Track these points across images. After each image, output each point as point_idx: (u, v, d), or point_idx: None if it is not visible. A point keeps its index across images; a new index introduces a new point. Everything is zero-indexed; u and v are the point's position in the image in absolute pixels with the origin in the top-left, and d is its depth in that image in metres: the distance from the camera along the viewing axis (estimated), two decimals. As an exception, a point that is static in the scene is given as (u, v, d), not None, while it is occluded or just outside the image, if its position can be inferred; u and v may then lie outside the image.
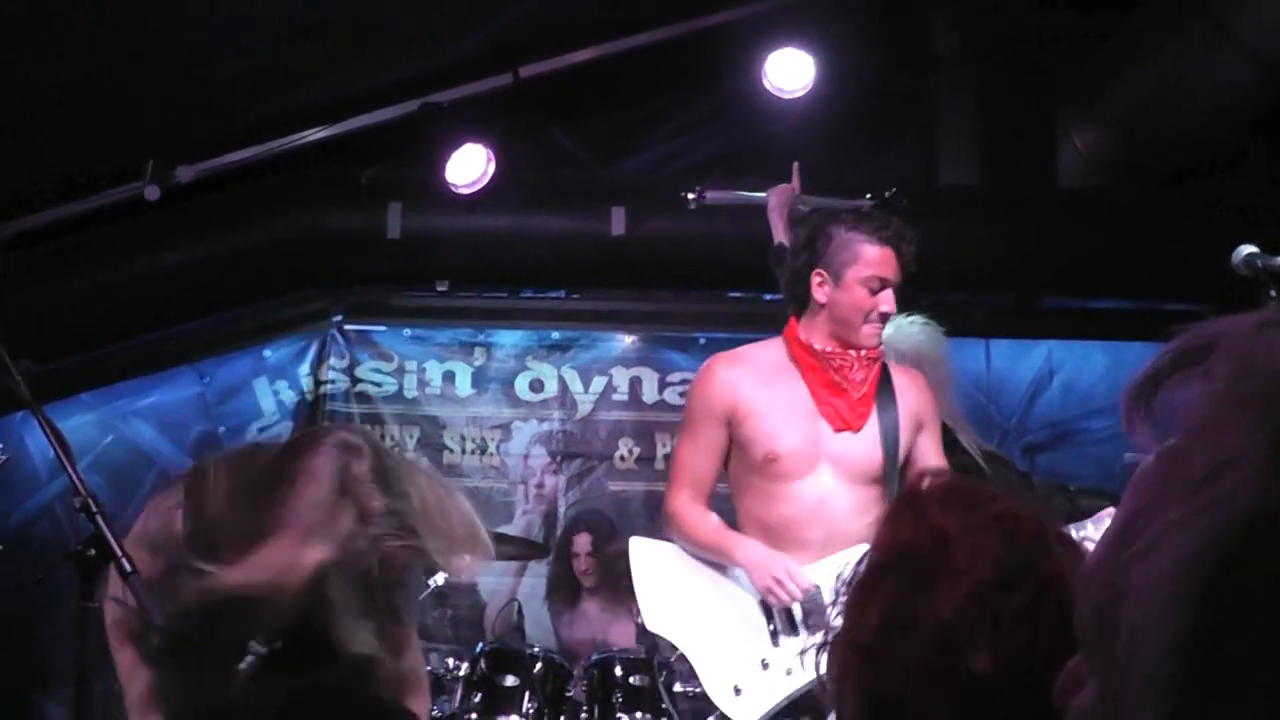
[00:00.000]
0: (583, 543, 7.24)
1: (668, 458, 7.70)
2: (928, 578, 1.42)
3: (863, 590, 1.47)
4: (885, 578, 1.46)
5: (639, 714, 5.72)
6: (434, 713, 5.79)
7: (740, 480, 4.54)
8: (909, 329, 5.18)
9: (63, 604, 6.80)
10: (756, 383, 4.49)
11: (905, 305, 4.74)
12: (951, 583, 1.40)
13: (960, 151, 7.06)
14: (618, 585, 6.74)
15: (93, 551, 2.82)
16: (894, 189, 5.68)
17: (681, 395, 7.75)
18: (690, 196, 5.52)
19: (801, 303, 4.49)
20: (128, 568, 2.84)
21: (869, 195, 5.53)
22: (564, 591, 7.16)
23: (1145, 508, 0.88)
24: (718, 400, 4.48)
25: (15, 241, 6.21)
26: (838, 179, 6.31)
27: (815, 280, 4.41)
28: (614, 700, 5.74)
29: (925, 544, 1.44)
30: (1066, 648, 0.96)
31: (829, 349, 4.43)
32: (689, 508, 4.49)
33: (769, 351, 4.59)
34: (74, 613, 2.91)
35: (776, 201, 5.12)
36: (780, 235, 5.00)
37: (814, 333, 4.46)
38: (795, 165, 5.29)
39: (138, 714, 2.38)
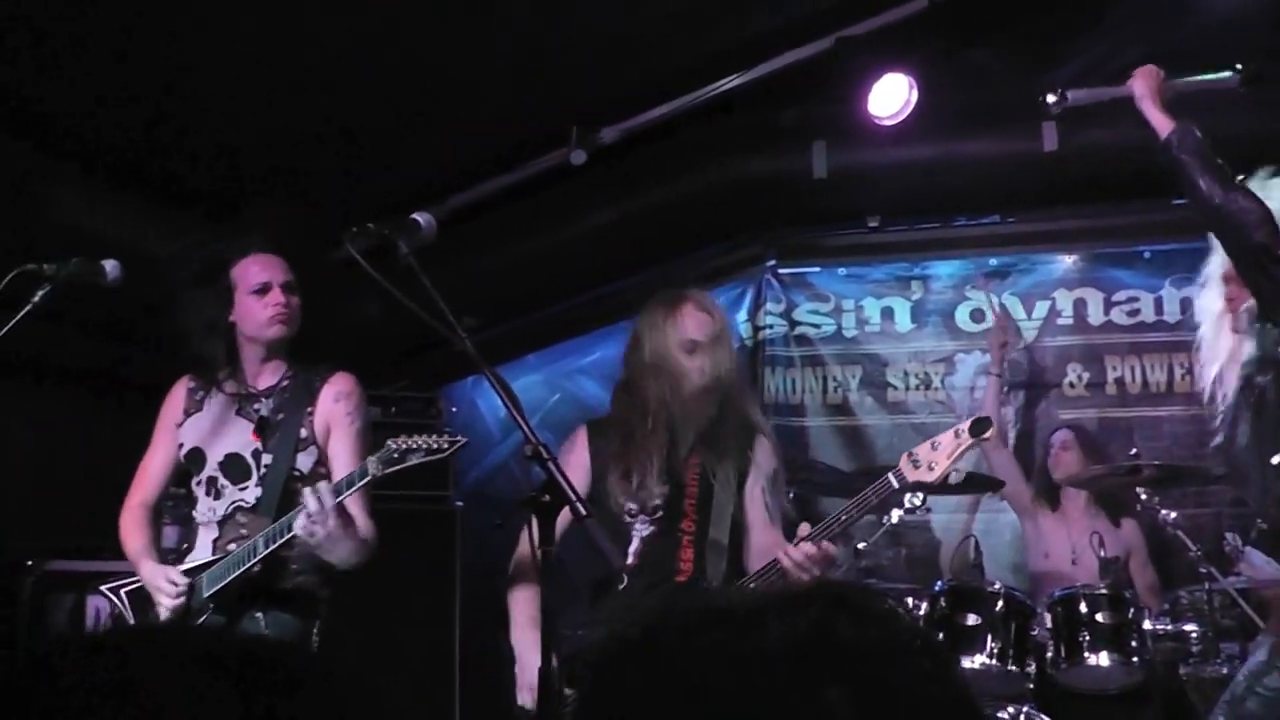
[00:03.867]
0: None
1: (1119, 382, 7.35)
2: None
3: None
4: None
5: (1108, 654, 5.47)
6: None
7: None
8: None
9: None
10: None
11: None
12: None
13: None
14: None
15: (547, 497, 2.88)
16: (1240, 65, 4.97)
17: (1129, 314, 7.37)
18: (1051, 100, 5.02)
19: None
20: (583, 512, 2.89)
21: (1237, 68, 4.85)
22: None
23: None
24: None
25: (456, 215, 6.45)
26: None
27: None
28: (1080, 639, 5.51)
29: None
30: None
31: None
32: None
33: None
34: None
35: (1142, 89, 4.39)
36: (1160, 125, 4.32)
37: None
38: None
39: None
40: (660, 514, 4.44)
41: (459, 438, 4.09)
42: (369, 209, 5.74)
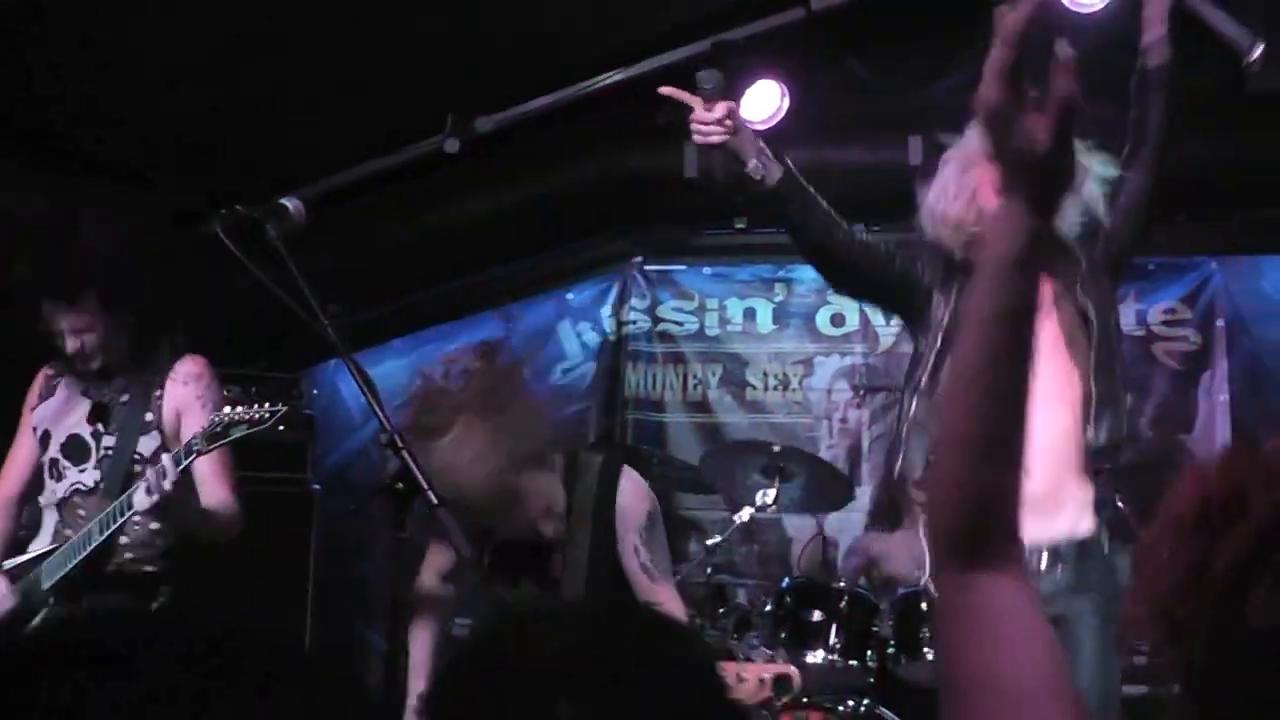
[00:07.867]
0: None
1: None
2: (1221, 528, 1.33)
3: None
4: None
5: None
6: (743, 647, 5.83)
7: None
8: None
9: (379, 538, 7.13)
10: None
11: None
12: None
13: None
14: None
15: (401, 485, 2.93)
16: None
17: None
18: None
19: None
20: (434, 500, 2.95)
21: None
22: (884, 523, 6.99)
23: None
24: None
25: (326, 198, 6.44)
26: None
27: None
28: (920, 636, 5.66)
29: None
30: None
31: None
32: None
33: None
34: (388, 545, 3.02)
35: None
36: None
37: None
38: None
39: None
40: None
41: (280, 407, 3.90)
42: (240, 187, 5.75)
